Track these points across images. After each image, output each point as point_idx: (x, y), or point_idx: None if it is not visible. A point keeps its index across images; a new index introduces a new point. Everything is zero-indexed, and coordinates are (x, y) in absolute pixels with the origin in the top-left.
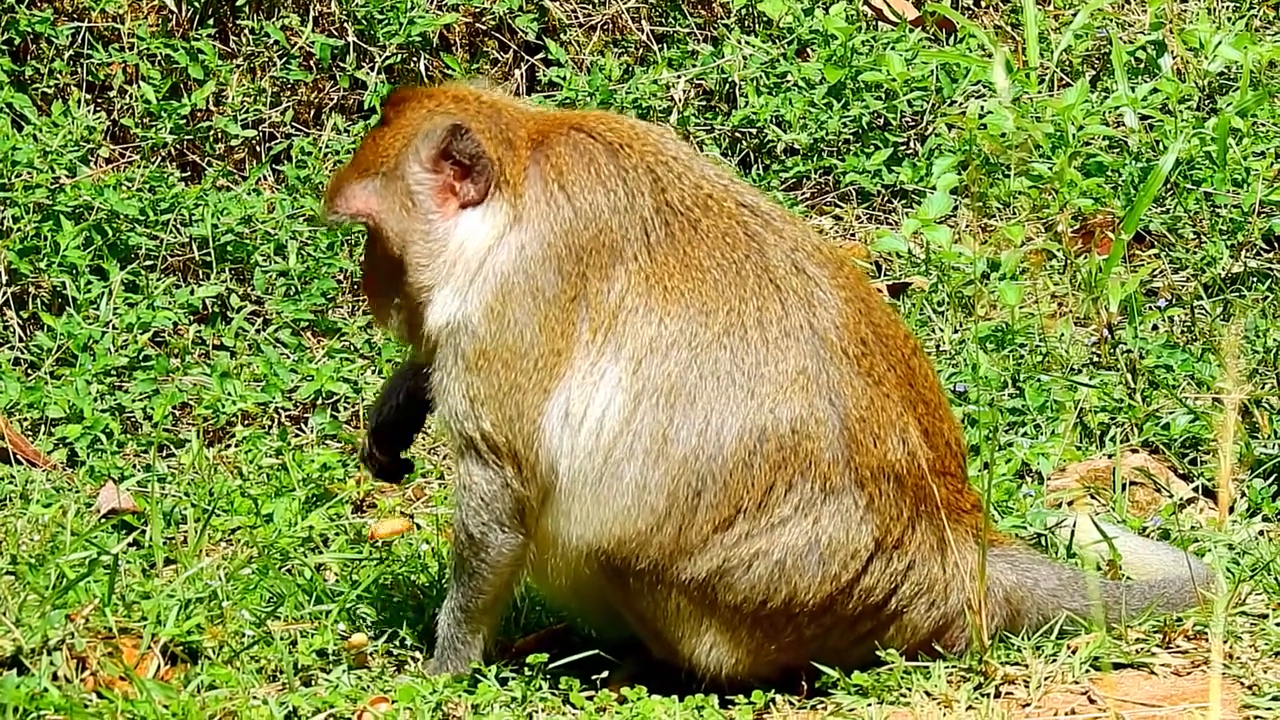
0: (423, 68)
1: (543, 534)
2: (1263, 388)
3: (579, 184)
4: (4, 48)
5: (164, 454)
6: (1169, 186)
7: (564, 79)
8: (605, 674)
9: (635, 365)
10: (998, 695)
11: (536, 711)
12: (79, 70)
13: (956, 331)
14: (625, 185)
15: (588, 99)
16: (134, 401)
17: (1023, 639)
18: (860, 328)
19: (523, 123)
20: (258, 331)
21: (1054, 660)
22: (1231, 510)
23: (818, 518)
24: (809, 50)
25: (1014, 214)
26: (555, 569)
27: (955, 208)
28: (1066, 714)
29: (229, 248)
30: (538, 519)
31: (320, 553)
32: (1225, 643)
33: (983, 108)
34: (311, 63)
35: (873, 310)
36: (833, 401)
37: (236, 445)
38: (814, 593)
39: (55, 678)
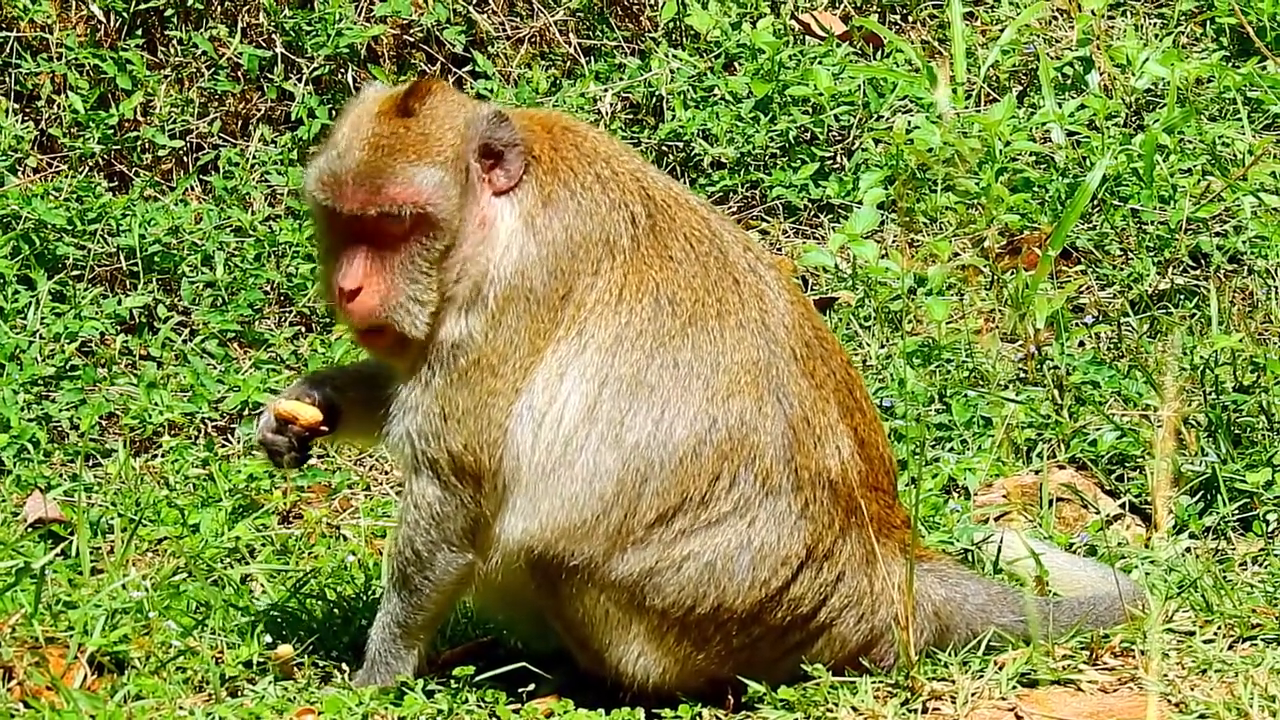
0: (350, 79)
1: (488, 538)
2: (1190, 405)
3: (582, 186)
4: None
5: (91, 464)
6: (1096, 203)
7: (492, 91)
8: (532, 687)
9: (603, 355)
10: (925, 711)
11: None
12: (6, 80)
13: (883, 346)
14: (619, 184)
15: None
16: (61, 411)
17: (950, 655)
18: (805, 330)
19: (518, 116)
20: (185, 342)
21: (981, 676)
22: (1157, 527)
23: (753, 519)
24: (736, 64)
25: (941, 229)
26: (491, 571)
27: (882, 223)
28: None
29: (156, 258)
30: (488, 530)
31: (247, 563)
32: (1152, 660)
33: (910, 123)
34: (239, 74)
35: (813, 315)
36: (780, 398)
37: (163, 455)
38: (743, 599)
39: None
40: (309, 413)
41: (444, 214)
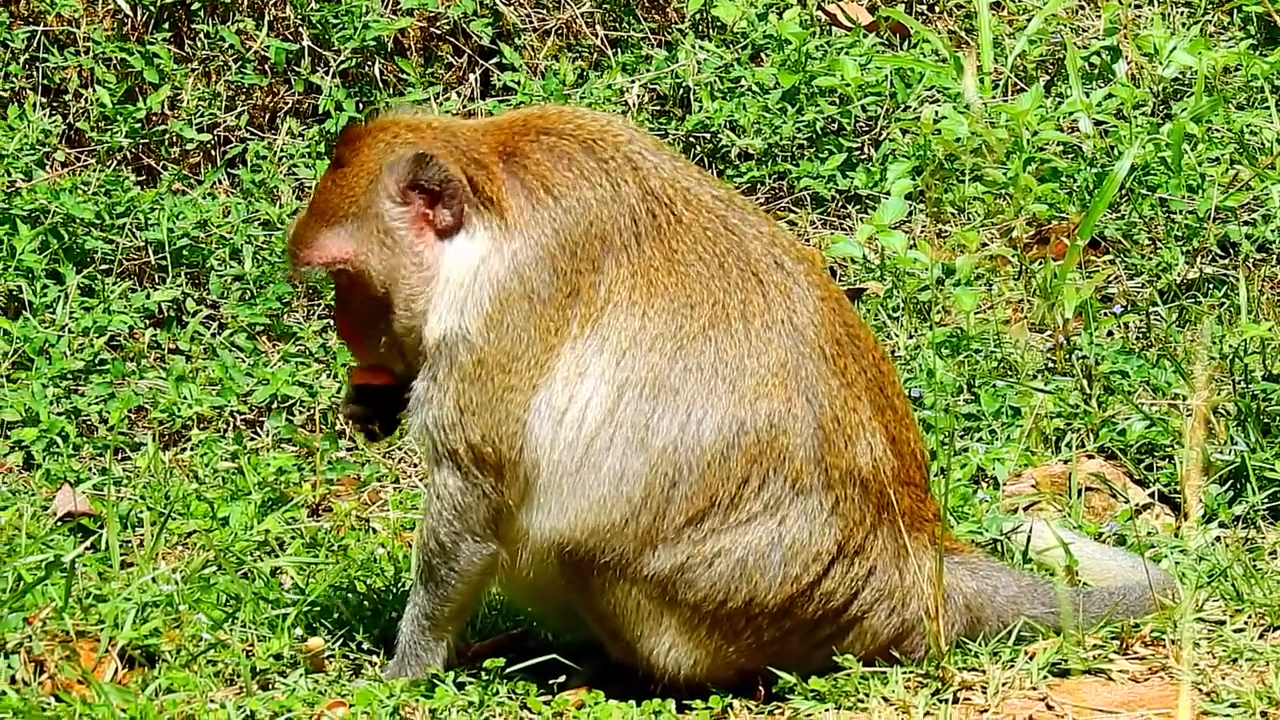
0: (377, 72)
1: (514, 531)
2: (1219, 394)
3: (563, 184)
4: None
5: (120, 457)
6: (1124, 192)
7: (518, 84)
8: (563, 678)
9: (620, 357)
10: (955, 701)
11: (494, 716)
12: (34, 74)
13: (912, 337)
14: (608, 176)
15: (542, 104)
16: (90, 405)
17: (980, 645)
18: (835, 327)
19: (482, 139)
20: (213, 335)
21: (1011, 666)
22: (1187, 516)
23: (784, 517)
24: (763, 55)
25: (969, 219)
26: (521, 566)
27: (910, 213)
28: None
29: (184, 252)
30: (512, 521)
31: (276, 556)
32: (1185, 649)
33: (937, 113)
34: (266, 67)
35: (845, 310)
36: (810, 399)
37: (192, 449)
38: (774, 594)
39: (13, 681)
40: (382, 376)
41: (361, 264)
